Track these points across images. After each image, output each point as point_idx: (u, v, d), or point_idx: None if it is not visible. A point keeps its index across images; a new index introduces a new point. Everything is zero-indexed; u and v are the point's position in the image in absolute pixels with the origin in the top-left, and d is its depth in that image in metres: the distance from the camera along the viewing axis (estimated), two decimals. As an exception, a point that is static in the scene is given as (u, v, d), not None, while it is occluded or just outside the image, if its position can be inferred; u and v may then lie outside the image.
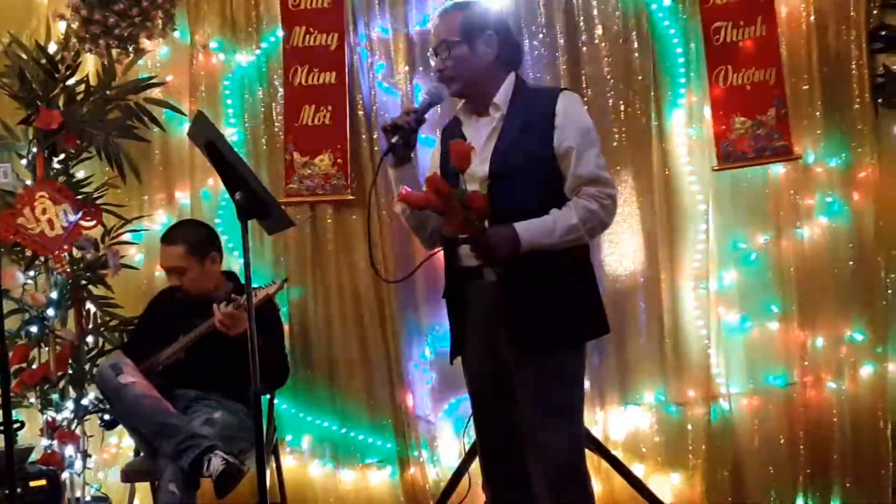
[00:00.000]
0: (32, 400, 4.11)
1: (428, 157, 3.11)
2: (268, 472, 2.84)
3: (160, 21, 4.32)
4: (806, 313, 4.00)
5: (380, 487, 4.32)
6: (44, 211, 4.00)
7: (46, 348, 4.13)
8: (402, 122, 2.74)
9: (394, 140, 2.73)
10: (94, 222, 4.13)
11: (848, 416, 3.95)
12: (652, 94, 4.10)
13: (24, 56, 4.18)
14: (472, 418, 3.00)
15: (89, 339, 4.23)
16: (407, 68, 4.28)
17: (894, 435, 3.91)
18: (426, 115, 2.81)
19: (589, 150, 2.71)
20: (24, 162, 4.24)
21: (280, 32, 4.33)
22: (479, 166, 2.72)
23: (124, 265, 4.23)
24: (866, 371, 3.97)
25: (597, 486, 3.74)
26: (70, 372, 4.14)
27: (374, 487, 4.33)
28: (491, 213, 2.54)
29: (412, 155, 2.84)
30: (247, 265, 2.66)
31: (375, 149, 4.25)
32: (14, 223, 3.96)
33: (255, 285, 3.47)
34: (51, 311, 4.12)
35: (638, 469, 4.01)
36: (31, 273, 4.18)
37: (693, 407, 4.07)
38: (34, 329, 4.11)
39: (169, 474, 3.32)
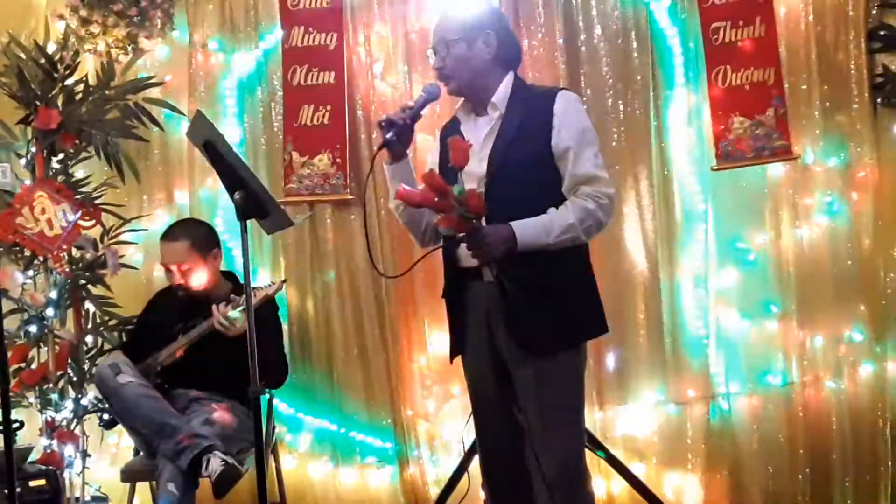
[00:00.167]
0: (32, 400, 4.11)
1: (425, 154, 3.11)
2: (267, 472, 2.84)
3: (159, 21, 4.32)
4: (805, 313, 4.00)
5: (379, 487, 4.32)
6: (43, 210, 3.99)
7: (45, 348, 4.12)
8: (397, 118, 2.75)
9: (388, 136, 2.75)
10: (93, 222, 4.13)
11: (847, 415, 3.96)
12: (651, 93, 4.10)
13: (23, 56, 4.17)
14: (471, 418, 3.00)
15: (88, 338, 4.23)
16: (406, 68, 4.28)
17: (893, 434, 3.91)
18: (422, 112, 2.82)
19: (587, 149, 2.71)
20: (22, 161, 4.23)
21: (279, 32, 4.33)
22: (478, 165, 2.72)
23: (123, 265, 4.22)
24: (865, 370, 3.98)
25: (596, 486, 3.75)
26: (69, 372, 4.14)
27: (373, 487, 4.33)
28: (488, 212, 2.54)
29: (407, 151, 2.86)
30: (246, 265, 2.66)
31: (374, 148, 4.24)
32: (13, 223, 3.96)
33: (254, 285, 3.47)
34: (50, 311, 4.12)
35: (637, 468, 4.01)
36: (30, 273, 4.18)
37: (692, 406, 4.07)
38: (33, 329, 4.10)
39: (168, 474, 3.33)
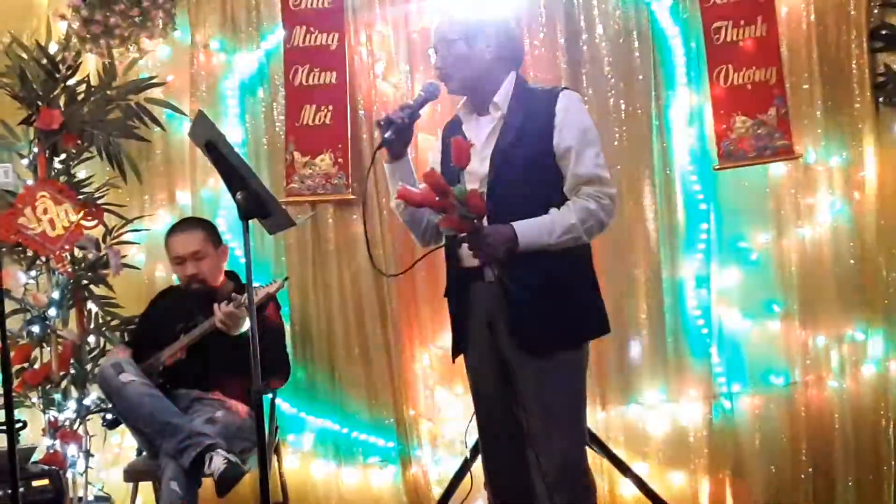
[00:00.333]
0: (35, 400, 4.12)
1: (427, 154, 3.11)
2: (269, 472, 2.84)
3: (161, 21, 4.32)
4: (807, 312, 4.00)
5: (382, 487, 4.32)
6: (45, 211, 4.00)
7: (48, 348, 4.13)
8: (396, 118, 2.75)
9: (386, 135, 2.74)
10: (95, 222, 4.14)
11: (849, 415, 3.95)
12: (653, 93, 4.10)
13: (25, 56, 4.18)
14: (474, 417, 3.00)
15: (91, 338, 4.24)
16: (408, 68, 4.28)
17: (896, 434, 3.92)
18: (420, 112, 2.82)
19: (588, 149, 2.71)
20: (25, 162, 4.24)
21: (281, 32, 4.34)
22: (479, 165, 2.73)
23: (125, 265, 4.23)
24: (868, 370, 3.97)
25: (599, 485, 3.75)
26: (72, 372, 4.14)
27: (376, 487, 4.33)
28: (490, 212, 2.54)
29: (407, 150, 2.86)
30: (248, 264, 2.66)
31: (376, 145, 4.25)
32: (15, 223, 3.96)
33: (256, 284, 3.47)
34: (52, 311, 4.13)
35: (640, 468, 4.01)
36: (33, 273, 4.19)
37: (695, 406, 4.07)
38: (36, 329, 4.11)
39: (170, 473, 3.33)
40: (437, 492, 4.09)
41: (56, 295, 4.14)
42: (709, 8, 4.00)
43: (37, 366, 4.12)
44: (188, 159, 4.47)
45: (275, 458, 3.92)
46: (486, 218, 2.56)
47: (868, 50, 3.95)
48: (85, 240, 4.12)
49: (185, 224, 3.92)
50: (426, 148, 3.99)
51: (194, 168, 4.44)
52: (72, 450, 4.06)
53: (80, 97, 4.22)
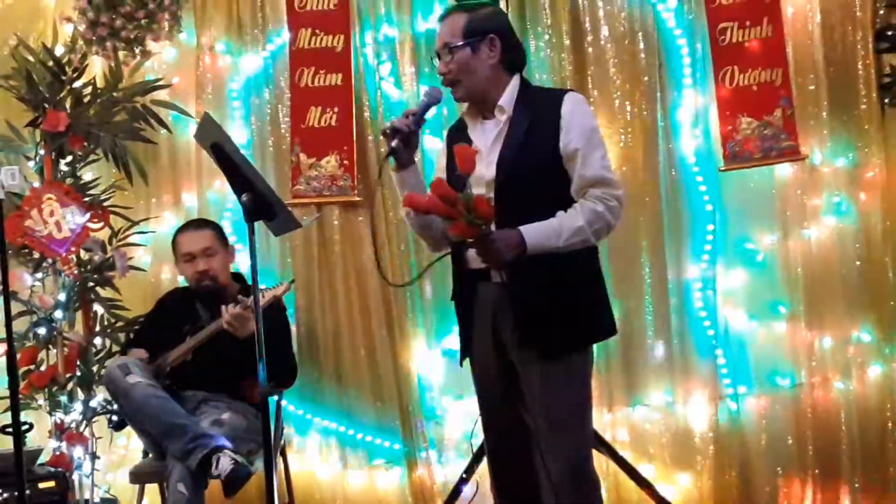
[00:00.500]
0: (41, 402, 4.12)
1: (433, 158, 3.10)
2: (275, 474, 2.84)
3: (166, 23, 4.32)
4: (813, 314, 4.00)
5: (388, 489, 4.32)
6: (51, 213, 4.01)
7: (54, 350, 4.13)
8: (401, 125, 2.74)
9: (394, 144, 2.74)
10: (101, 224, 4.15)
11: (855, 416, 3.94)
12: (658, 94, 4.09)
13: (31, 58, 4.19)
14: (479, 419, 3.00)
15: (97, 340, 4.24)
16: (413, 69, 4.29)
17: (902, 435, 3.91)
18: (425, 117, 2.81)
19: (594, 151, 2.70)
20: (31, 164, 4.24)
21: (286, 34, 4.34)
22: (486, 169, 2.72)
23: (132, 267, 4.23)
24: (874, 371, 3.97)
25: (604, 487, 3.74)
26: (78, 373, 4.14)
27: (381, 489, 4.33)
28: (498, 216, 2.54)
29: (414, 158, 2.84)
30: (253, 266, 2.67)
31: (382, 149, 4.25)
32: (22, 225, 3.97)
33: (262, 286, 3.48)
34: (59, 313, 4.13)
35: (645, 469, 4.00)
36: (39, 275, 4.19)
37: (700, 407, 4.07)
38: (42, 331, 4.11)
39: (177, 474, 3.33)
40: (443, 494, 4.09)
41: (62, 297, 4.15)
42: (714, 9, 3.99)
43: (43, 368, 4.12)
44: (194, 161, 4.48)
45: (281, 460, 3.92)
46: (493, 223, 2.56)
47: (874, 51, 3.95)
48: (91, 242, 4.13)
49: (195, 223, 3.97)
50: (432, 148, 4.02)
51: (200, 170, 4.45)
52: (78, 452, 4.06)
53: (87, 99, 4.23)
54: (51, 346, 4.14)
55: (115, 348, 4.18)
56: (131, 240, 4.27)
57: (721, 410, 4.03)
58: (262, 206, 2.67)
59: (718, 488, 4.02)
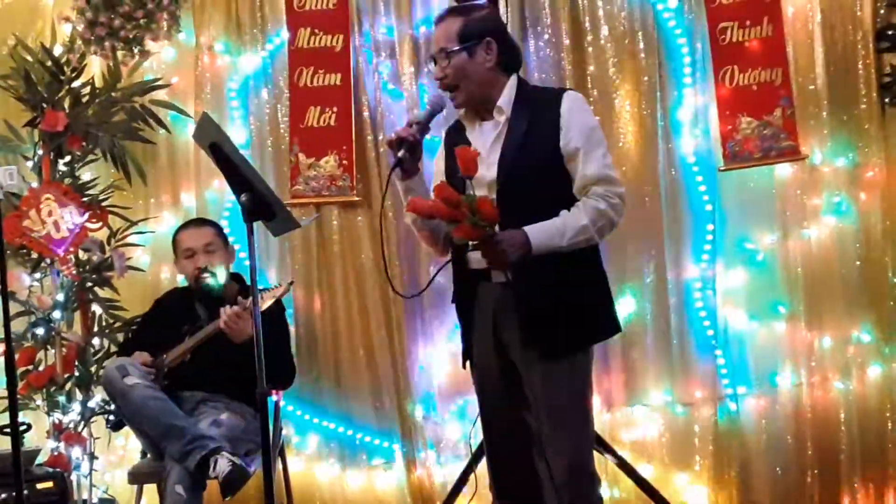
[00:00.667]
0: (39, 402, 4.11)
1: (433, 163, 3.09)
2: (274, 474, 2.84)
3: (165, 23, 4.31)
4: (813, 313, 3.99)
5: (386, 489, 4.32)
6: (50, 213, 4.00)
7: (53, 350, 4.13)
8: (407, 135, 2.73)
9: (400, 154, 2.73)
10: (99, 224, 4.14)
11: (855, 416, 3.94)
12: (658, 94, 4.09)
13: (30, 58, 4.18)
14: (479, 419, 2.99)
15: (95, 341, 4.23)
16: (412, 69, 4.28)
17: (902, 435, 3.91)
18: (430, 125, 2.80)
19: (595, 149, 2.70)
20: (29, 164, 4.24)
21: (285, 34, 4.33)
22: (487, 171, 2.72)
23: (130, 267, 4.23)
24: (874, 371, 3.97)
25: (604, 487, 3.74)
26: (76, 374, 4.14)
27: (380, 489, 4.32)
28: (501, 217, 2.53)
29: (419, 166, 2.83)
30: (252, 267, 2.67)
31: (381, 150, 4.25)
32: (20, 225, 3.96)
33: (261, 287, 3.47)
34: (57, 314, 4.12)
35: (645, 470, 4.00)
36: (38, 275, 4.19)
37: (700, 407, 4.06)
38: (40, 331, 4.11)
39: (175, 476, 3.33)
40: (442, 494, 4.09)
41: (60, 297, 4.14)
42: (714, 8, 3.99)
43: (41, 368, 4.12)
44: (193, 161, 4.47)
45: (279, 461, 3.92)
46: (497, 224, 2.55)
47: (874, 50, 3.94)
48: (89, 242, 4.13)
49: (197, 221, 4.00)
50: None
51: (199, 170, 4.44)
52: (76, 452, 4.05)
53: (85, 99, 4.22)
54: (49, 347, 4.13)
55: (114, 349, 4.18)
56: (130, 240, 4.27)
57: (721, 410, 4.03)
58: (260, 207, 2.66)
59: (718, 488, 4.02)
